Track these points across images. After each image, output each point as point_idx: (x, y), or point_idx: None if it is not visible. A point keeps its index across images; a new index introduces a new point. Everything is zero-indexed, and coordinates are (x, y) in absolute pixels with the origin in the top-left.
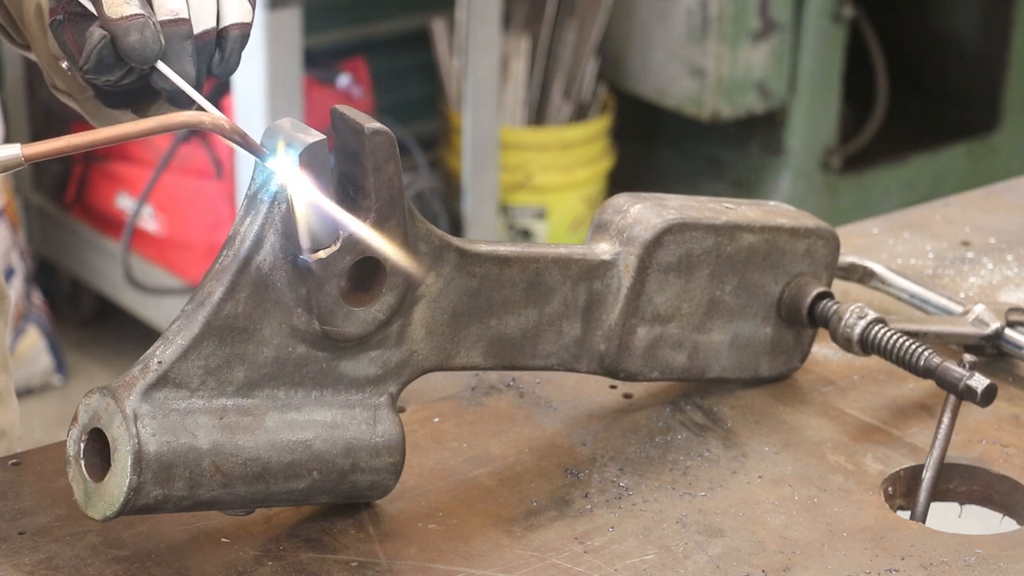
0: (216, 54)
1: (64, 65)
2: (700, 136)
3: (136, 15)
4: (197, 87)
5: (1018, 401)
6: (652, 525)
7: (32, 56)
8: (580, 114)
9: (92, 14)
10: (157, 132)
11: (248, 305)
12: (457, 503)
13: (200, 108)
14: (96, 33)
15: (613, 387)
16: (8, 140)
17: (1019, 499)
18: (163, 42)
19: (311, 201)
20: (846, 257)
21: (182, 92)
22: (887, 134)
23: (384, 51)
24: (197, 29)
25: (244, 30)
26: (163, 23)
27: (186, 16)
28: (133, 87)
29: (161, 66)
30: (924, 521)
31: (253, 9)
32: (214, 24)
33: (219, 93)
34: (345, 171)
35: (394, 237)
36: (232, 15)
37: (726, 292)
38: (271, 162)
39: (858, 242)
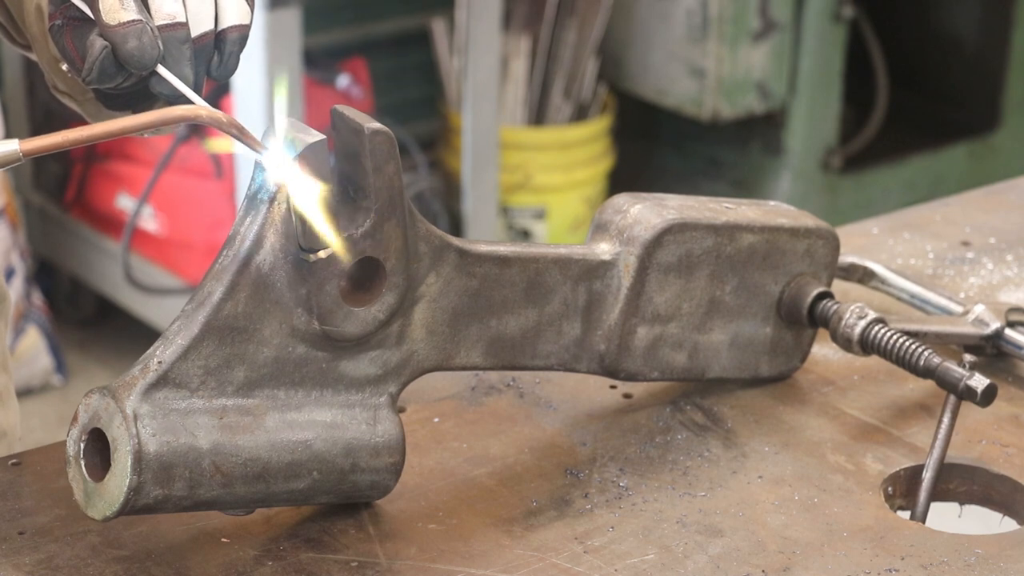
0: (215, 57)
1: (64, 67)
2: (700, 136)
3: (134, 21)
4: (196, 90)
5: (1018, 401)
6: (652, 525)
7: (33, 56)
8: (580, 114)
9: (90, 19)
10: (155, 125)
11: (248, 305)
12: (457, 503)
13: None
14: (97, 43)
15: (613, 387)
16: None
17: (1019, 499)
18: (161, 47)
19: (311, 201)
20: (846, 257)
21: (182, 96)
22: (887, 134)
23: (384, 51)
24: (195, 32)
25: (243, 32)
26: (160, 27)
27: (183, 20)
28: (134, 89)
29: (161, 70)
30: (924, 521)
31: (252, 10)
32: (212, 27)
33: (219, 93)
34: (345, 171)
35: (394, 237)
36: (230, 17)
37: (726, 292)
38: (269, 159)
39: (858, 242)
